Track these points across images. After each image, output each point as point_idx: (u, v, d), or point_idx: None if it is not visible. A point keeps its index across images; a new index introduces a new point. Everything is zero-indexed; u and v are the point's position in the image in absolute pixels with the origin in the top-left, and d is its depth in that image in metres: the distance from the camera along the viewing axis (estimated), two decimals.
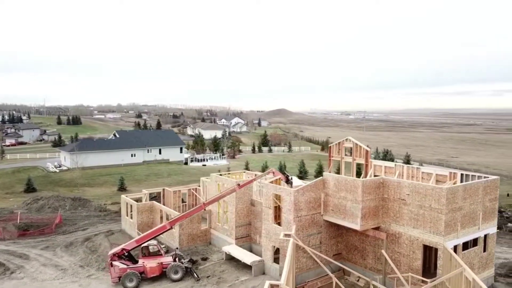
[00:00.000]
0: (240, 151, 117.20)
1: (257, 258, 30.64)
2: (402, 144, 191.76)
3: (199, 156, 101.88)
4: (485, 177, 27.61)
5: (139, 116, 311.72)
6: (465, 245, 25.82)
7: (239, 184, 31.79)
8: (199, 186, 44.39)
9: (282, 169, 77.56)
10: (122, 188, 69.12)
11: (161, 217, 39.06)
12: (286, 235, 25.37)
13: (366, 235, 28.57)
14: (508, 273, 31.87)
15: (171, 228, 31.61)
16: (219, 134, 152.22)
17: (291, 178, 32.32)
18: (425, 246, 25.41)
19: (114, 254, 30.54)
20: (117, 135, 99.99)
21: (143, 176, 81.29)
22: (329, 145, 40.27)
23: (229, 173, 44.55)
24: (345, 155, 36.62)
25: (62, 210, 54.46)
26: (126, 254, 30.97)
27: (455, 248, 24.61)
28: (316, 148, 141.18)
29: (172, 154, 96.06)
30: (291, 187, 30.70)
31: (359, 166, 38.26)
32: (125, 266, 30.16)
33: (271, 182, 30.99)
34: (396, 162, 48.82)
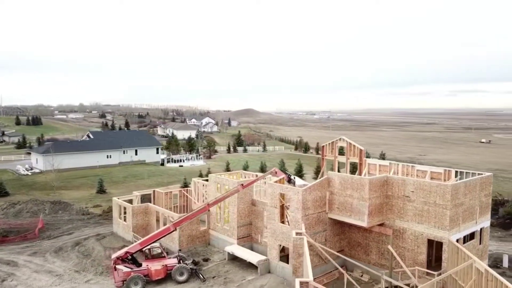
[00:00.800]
0: (215, 151, 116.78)
1: (263, 257, 30.98)
2: (370, 143, 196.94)
3: (175, 157, 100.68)
4: (479, 174, 29.26)
5: (102, 116, 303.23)
6: (464, 239, 27.30)
7: (242, 185, 31.98)
8: (187, 186, 44.11)
9: (263, 169, 78.19)
10: (102, 191, 67.36)
11: (157, 219, 38.62)
12: (298, 233, 25.85)
13: (369, 232, 29.57)
14: (494, 263, 33.87)
15: (175, 230, 31.36)
16: (191, 134, 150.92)
17: (294, 178, 32.88)
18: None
19: (117, 258, 29.95)
20: (91, 136, 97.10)
21: (121, 177, 79.50)
22: (322, 145, 41.09)
23: (225, 174, 44.58)
24: (339, 154, 37.69)
25: (42, 214, 52.46)
26: (130, 257, 30.45)
27: (456, 242, 25.98)
28: (290, 147, 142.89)
29: (148, 155, 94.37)
30: (294, 186, 31.25)
31: (353, 165, 39.44)
32: (129, 270, 29.67)
33: (275, 182, 31.40)
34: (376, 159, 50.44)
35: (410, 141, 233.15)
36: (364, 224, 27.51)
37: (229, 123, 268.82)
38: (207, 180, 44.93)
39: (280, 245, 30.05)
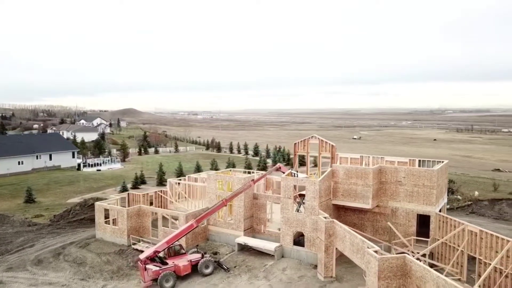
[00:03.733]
0: (128, 153, 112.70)
1: (276, 244, 34.50)
2: (264, 142, 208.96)
3: (91, 161, 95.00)
4: (438, 162, 37.42)
5: None
6: None
7: (253, 180, 34.93)
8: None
9: (182, 170, 79.56)
10: (31, 200, 61.58)
11: (154, 219, 38.82)
12: (325, 217, 30.25)
13: (364, 213, 35.42)
14: None
15: (197, 226, 32.83)
16: (91, 136, 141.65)
17: (297, 172, 37.01)
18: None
19: (147, 258, 30.36)
20: None
21: (42, 185, 72.79)
22: (294, 142, 45.97)
23: (217, 172, 46.21)
24: (311, 150, 43.05)
25: None
26: (157, 256, 31.04)
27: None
28: (200, 148, 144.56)
29: (63, 159, 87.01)
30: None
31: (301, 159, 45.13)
32: (158, 268, 30.37)
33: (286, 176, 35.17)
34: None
35: (295, 139, 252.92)
36: (368, 206, 33.21)
37: (118, 124, 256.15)
38: (179, 182, 46.27)
39: (294, 231, 33.98)
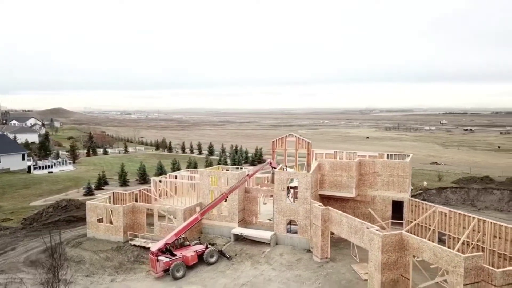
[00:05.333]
0: (77, 155, 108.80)
1: (271, 232, 37.69)
2: (207, 141, 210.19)
3: (41, 163, 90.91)
4: (403, 155, 42.97)
5: None
6: None
7: (248, 175, 37.78)
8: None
9: (145, 170, 79.79)
10: None
11: (148, 216, 40.03)
12: (319, 205, 34.04)
13: (346, 201, 39.80)
14: None
15: (202, 218, 34.98)
16: (32, 137, 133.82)
17: (285, 167, 40.39)
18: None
19: (158, 250, 32.04)
20: None
21: None
22: (272, 140, 49.48)
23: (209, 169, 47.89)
24: (288, 147, 47.00)
25: None
26: (167, 248, 32.80)
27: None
28: (149, 148, 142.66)
29: (13, 162, 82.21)
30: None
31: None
32: (168, 259, 32.23)
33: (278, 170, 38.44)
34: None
35: (237, 137, 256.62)
36: (352, 195, 37.63)
37: (52, 124, 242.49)
38: (160, 180, 47.67)
39: (287, 220, 37.39)
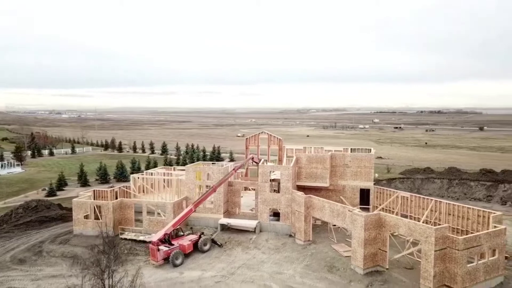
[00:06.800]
0: (23, 156, 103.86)
1: (256, 221, 41.14)
2: (149, 140, 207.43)
3: None
4: (366, 149, 48.50)
5: None
6: None
7: (234, 169, 40.87)
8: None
9: (106, 170, 79.69)
10: None
11: (133, 212, 41.50)
12: (302, 194, 38.14)
13: (319, 191, 44.25)
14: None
15: (195, 210, 37.53)
16: None
17: (266, 161, 43.96)
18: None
19: (159, 240, 34.21)
20: None
21: None
22: (246, 138, 52.92)
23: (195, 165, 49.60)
24: (261, 143, 50.93)
25: None
26: (166, 238, 35.01)
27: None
28: (98, 148, 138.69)
29: None
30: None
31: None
32: (168, 249, 34.56)
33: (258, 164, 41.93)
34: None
35: (181, 137, 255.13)
36: (326, 185, 42.24)
37: None
38: (139, 177, 49.23)
39: (270, 209, 41.07)
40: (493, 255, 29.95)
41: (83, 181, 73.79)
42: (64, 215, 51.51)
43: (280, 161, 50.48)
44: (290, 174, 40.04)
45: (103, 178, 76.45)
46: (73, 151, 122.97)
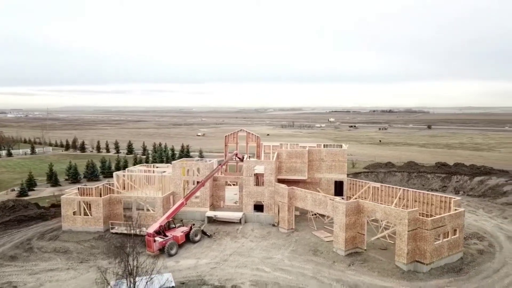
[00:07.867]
0: None
1: (241, 213, 43.87)
2: (104, 140, 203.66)
3: None
4: (337, 145, 52.62)
5: None
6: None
7: (220, 164, 43.35)
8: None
9: (77, 169, 79.18)
10: None
11: (122, 207, 42.74)
12: (284, 186, 41.37)
13: (298, 183, 47.68)
14: None
15: (186, 203, 39.65)
16: None
17: (248, 157, 46.73)
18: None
19: (154, 231, 36.12)
20: None
21: None
22: (225, 135, 55.47)
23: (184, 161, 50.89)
24: (239, 141, 53.87)
25: None
26: (161, 230, 36.93)
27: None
28: (58, 149, 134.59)
29: None
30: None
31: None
32: (163, 240, 36.58)
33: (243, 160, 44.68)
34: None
35: (139, 137, 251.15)
36: (305, 178, 45.77)
37: None
38: (124, 174, 50.46)
39: (254, 201, 43.97)
40: (454, 234, 34.65)
41: (54, 181, 72.90)
42: (43, 214, 51.54)
43: (258, 157, 53.50)
44: (273, 169, 43.16)
45: (74, 177, 75.83)
46: (33, 152, 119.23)
